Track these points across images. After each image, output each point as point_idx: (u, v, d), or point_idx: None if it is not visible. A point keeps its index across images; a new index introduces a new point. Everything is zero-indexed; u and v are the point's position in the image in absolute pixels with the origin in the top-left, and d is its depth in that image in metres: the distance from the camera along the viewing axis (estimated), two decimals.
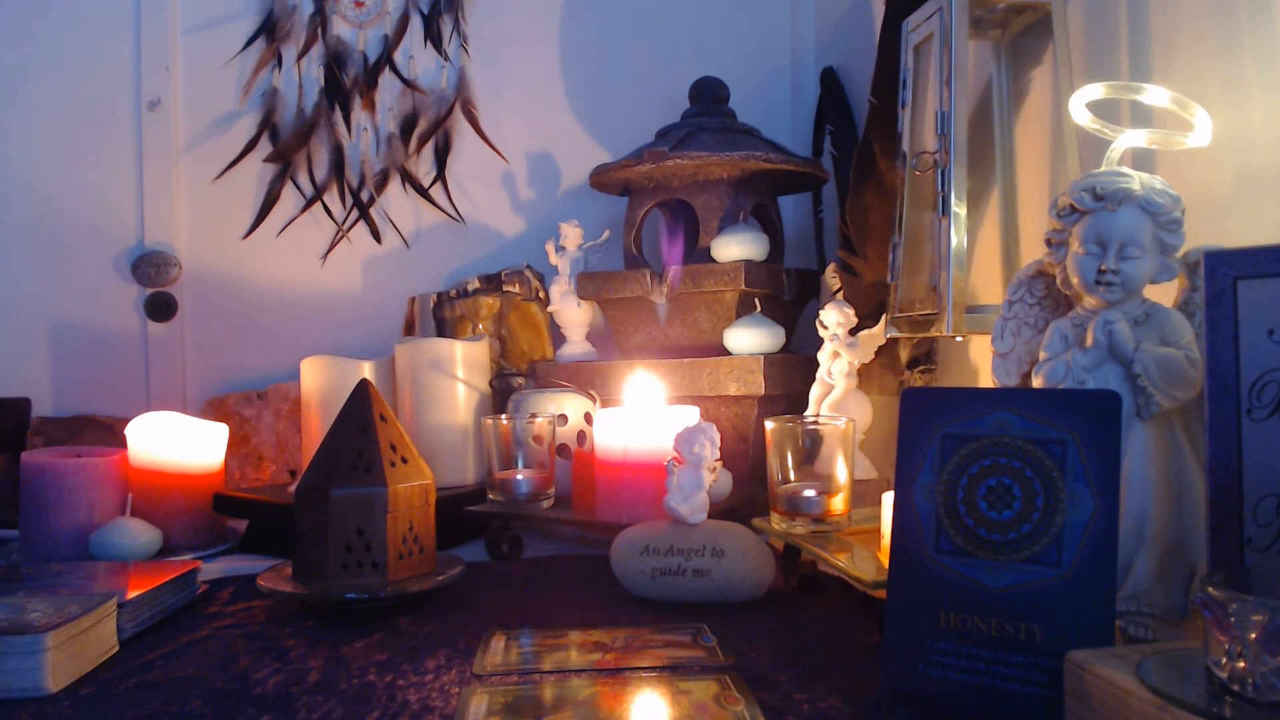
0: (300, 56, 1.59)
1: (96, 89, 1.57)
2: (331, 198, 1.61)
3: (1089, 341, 0.68)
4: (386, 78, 1.61)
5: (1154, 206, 0.66)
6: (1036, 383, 0.71)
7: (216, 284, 1.61)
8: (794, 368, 1.24)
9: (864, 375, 1.15)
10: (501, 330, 1.53)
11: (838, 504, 0.88)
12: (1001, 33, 1.02)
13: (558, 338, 1.48)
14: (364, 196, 1.61)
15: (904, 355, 1.18)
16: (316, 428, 1.28)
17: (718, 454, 0.93)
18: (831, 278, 1.27)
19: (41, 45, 1.55)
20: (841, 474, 0.89)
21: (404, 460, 0.90)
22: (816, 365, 1.16)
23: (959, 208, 0.91)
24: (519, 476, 1.12)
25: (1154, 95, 0.74)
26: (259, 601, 0.90)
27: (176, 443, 1.18)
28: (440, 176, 1.62)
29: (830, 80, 1.48)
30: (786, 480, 0.90)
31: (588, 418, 1.24)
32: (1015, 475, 0.60)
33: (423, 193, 1.62)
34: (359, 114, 1.61)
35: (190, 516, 1.18)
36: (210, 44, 1.59)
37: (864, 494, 0.98)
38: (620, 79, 1.66)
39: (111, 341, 1.57)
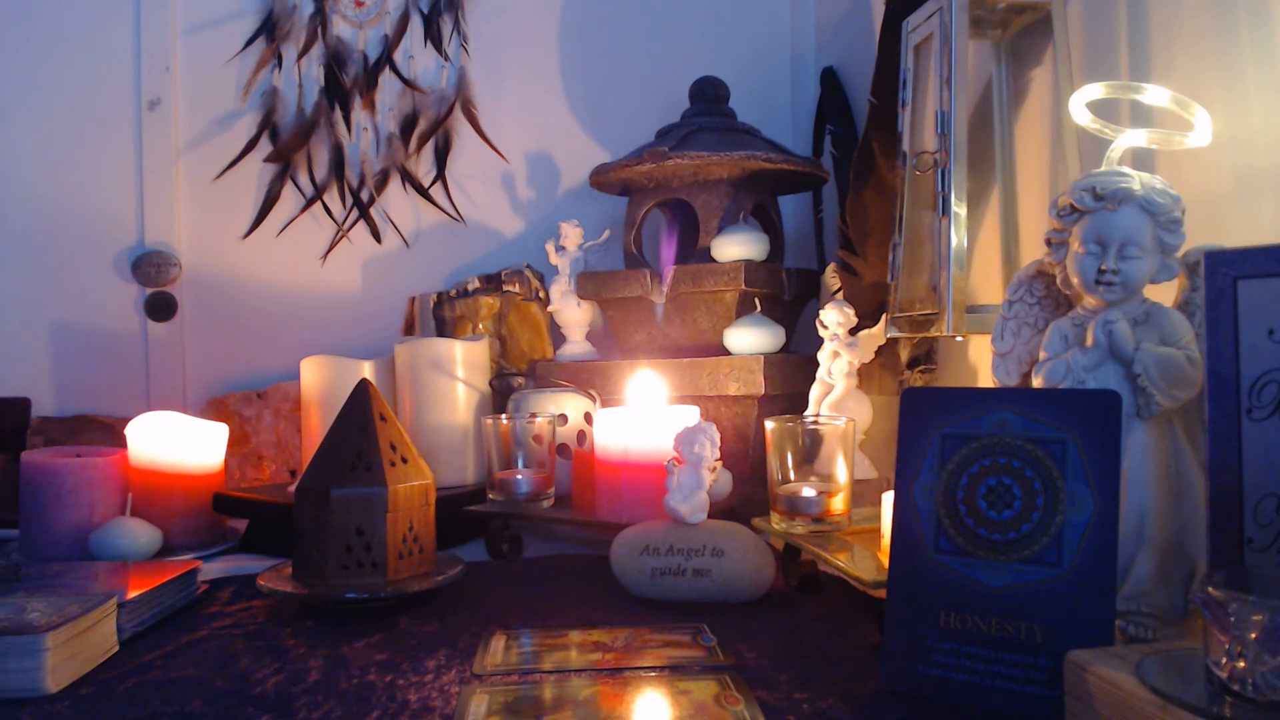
0: (300, 56, 1.59)
1: (96, 89, 1.57)
2: (331, 197, 1.61)
3: (1089, 341, 0.68)
4: (386, 77, 1.61)
5: (1154, 206, 0.66)
6: (1036, 383, 0.71)
7: (216, 284, 1.61)
8: (794, 368, 1.24)
9: (864, 375, 1.15)
10: (501, 330, 1.53)
11: (838, 504, 0.88)
12: (1001, 33, 1.02)
13: (558, 338, 1.48)
14: (364, 196, 1.61)
15: (904, 355, 1.18)
16: (316, 428, 1.28)
17: (718, 454, 0.93)
18: (831, 278, 1.27)
19: (41, 45, 1.55)
20: (841, 474, 0.89)
21: (404, 460, 0.90)
22: (816, 365, 1.16)
23: (959, 208, 0.91)
24: (519, 476, 1.12)
25: (1154, 95, 0.74)
26: (259, 601, 0.90)
27: (176, 443, 1.18)
28: (440, 176, 1.62)
29: (830, 80, 1.48)
30: (786, 480, 0.90)
31: (588, 418, 1.24)
32: (1015, 475, 0.60)
33: (423, 193, 1.62)
34: (359, 114, 1.61)
35: (190, 516, 1.18)
36: (210, 44, 1.59)
37: (864, 494, 0.98)
38: (620, 79, 1.66)
39: (111, 341, 1.57)
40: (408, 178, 1.61)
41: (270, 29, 1.59)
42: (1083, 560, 0.57)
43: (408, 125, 1.61)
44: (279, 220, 1.61)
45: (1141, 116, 0.81)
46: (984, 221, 1.06)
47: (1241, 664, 0.45)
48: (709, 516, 0.91)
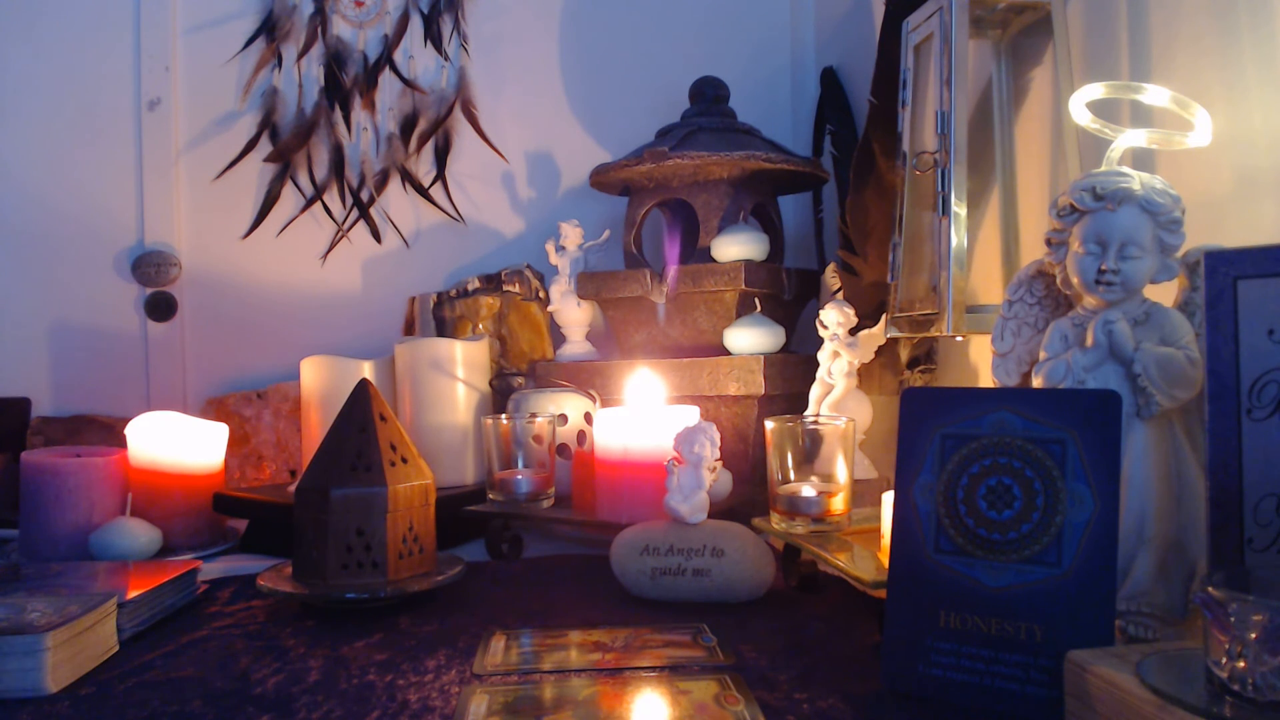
0: (300, 56, 1.59)
1: (96, 89, 1.57)
2: (331, 197, 1.61)
3: (1089, 341, 0.68)
4: (386, 77, 1.61)
5: (1154, 206, 0.66)
6: (1036, 383, 0.71)
7: (216, 284, 1.61)
8: (794, 368, 1.24)
9: (864, 375, 1.15)
10: (501, 330, 1.53)
11: (838, 504, 0.88)
12: (1001, 33, 1.02)
13: (558, 338, 1.48)
14: (364, 196, 1.61)
15: (904, 355, 1.18)
16: (316, 428, 1.28)
17: (718, 454, 0.93)
18: (831, 278, 1.27)
19: (42, 45, 1.55)
20: (841, 474, 0.89)
21: (404, 460, 0.90)
22: (816, 365, 1.16)
23: (959, 208, 0.91)
24: (519, 476, 1.12)
25: (1154, 95, 0.74)
26: (259, 601, 0.90)
27: (176, 443, 1.18)
28: (440, 176, 1.62)
29: (830, 80, 1.48)
30: (786, 480, 0.90)
31: (588, 418, 1.24)
32: (1015, 475, 0.60)
33: (423, 193, 1.62)
34: (359, 114, 1.61)
35: (190, 516, 1.18)
36: (210, 44, 1.59)
37: (864, 494, 0.98)
38: (620, 79, 1.66)
39: (111, 341, 1.57)
40: (408, 178, 1.61)
41: (270, 29, 1.59)
42: (1083, 560, 0.57)
43: (408, 125, 1.61)
44: (279, 220, 1.61)
45: (1141, 116, 0.81)
46: (984, 221, 1.06)
47: (1241, 664, 0.45)
48: (709, 516, 0.91)
